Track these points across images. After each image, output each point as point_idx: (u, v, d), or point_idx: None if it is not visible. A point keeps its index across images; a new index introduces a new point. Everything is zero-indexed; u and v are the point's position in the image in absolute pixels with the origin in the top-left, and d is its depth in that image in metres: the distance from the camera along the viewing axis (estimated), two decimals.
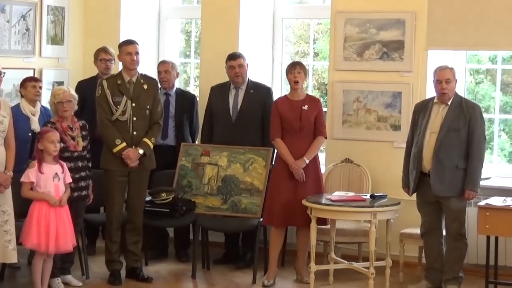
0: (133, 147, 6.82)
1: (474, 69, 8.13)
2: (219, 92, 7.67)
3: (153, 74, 7.75)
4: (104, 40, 8.15)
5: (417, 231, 6.90)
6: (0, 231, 6.05)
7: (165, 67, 7.83)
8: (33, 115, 7.02)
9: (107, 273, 7.00)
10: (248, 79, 7.63)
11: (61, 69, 8.46)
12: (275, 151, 7.14)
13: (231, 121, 7.55)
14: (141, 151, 6.82)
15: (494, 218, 6.25)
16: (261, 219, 7.07)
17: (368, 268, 6.63)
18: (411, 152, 6.66)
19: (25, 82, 7.07)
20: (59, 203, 6.24)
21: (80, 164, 6.65)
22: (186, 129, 7.82)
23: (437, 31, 7.40)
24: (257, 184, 7.30)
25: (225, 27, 8.16)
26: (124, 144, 6.78)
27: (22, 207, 6.27)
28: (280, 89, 8.37)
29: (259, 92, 7.59)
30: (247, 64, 7.58)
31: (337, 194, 6.89)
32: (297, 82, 6.92)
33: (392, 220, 6.80)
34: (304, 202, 6.69)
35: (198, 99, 8.09)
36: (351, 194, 6.95)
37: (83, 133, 6.70)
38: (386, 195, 6.85)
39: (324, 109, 7.59)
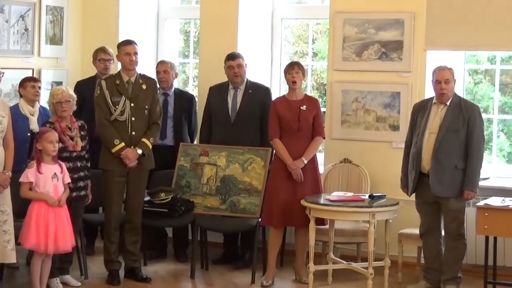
0: (132, 147, 6.82)
1: (473, 69, 8.13)
2: (217, 92, 7.67)
3: (152, 74, 7.74)
4: (103, 40, 8.15)
5: (416, 231, 6.90)
6: None
7: (164, 67, 7.83)
8: (32, 115, 7.02)
9: (106, 273, 6.99)
10: (247, 79, 7.63)
11: (60, 69, 8.46)
12: (274, 151, 7.14)
13: (230, 121, 7.55)
14: (139, 151, 6.82)
15: (493, 218, 6.25)
16: (260, 219, 7.07)
17: (366, 268, 6.63)
18: (410, 152, 6.66)
19: (24, 82, 7.07)
20: (58, 203, 6.24)
21: (78, 164, 6.65)
22: (184, 129, 7.82)
23: (436, 32, 7.40)
24: (255, 184, 7.29)
25: (224, 27, 8.16)
26: (123, 144, 6.79)
27: (21, 207, 6.27)
28: (279, 89, 8.37)
29: (257, 92, 7.59)
30: (246, 64, 7.58)
31: (336, 194, 6.88)
32: (295, 82, 6.92)
33: (390, 220, 6.80)
34: (303, 202, 6.69)
35: (197, 99, 8.09)
36: (350, 194, 6.94)
37: (82, 133, 6.70)
38: (385, 195, 6.86)
39: (323, 109, 7.59)
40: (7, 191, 6.10)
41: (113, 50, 7.54)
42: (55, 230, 6.20)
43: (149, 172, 7.06)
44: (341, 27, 7.73)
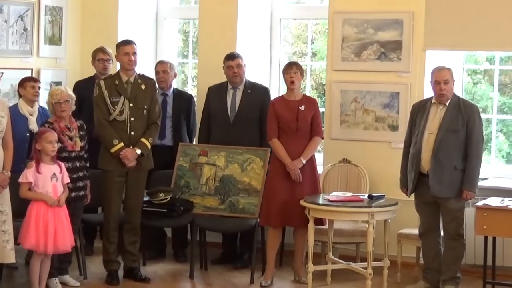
0: (131, 147, 6.82)
1: (472, 69, 8.14)
2: (216, 92, 7.67)
3: (151, 74, 7.73)
4: (102, 40, 8.16)
5: (415, 231, 6.90)
6: None
7: (163, 67, 7.83)
8: (31, 115, 7.02)
9: (105, 273, 6.99)
10: (246, 79, 7.63)
11: (59, 69, 8.46)
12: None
13: (229, 121, 7.55)
14: (138, 151, 6.82)
15: (492, 218, 6.26)
16: (258, 219, 7.07)
17: (366, 268, 6.63)
18: (410, 152, 6.66)
19: (24, 82, 7.07)
20: (57, 203, 6.24)
21: (77, 164, 6.65)
22: (183, 129, 7.82)
23: (434, 32, 7.41)
24: (255, 184, 7.29)
25: (223, 27, 8.16)
26: (122, 144, 6.79)
27: (20, 207, 6.27)
28: (278, 89, 8.37)
29: (256, 92, 7.59)
30: (245, 64, 7.58)
31: (335, 195, 6.88)
32: (293, 82, 6.92)
33: (389, 221, 6.81)
34: (302, 202, 6.69)
35: (195, 99, 8.09)
36: (349, 194, 6.94)
37: (81, 133, 6.70)
38: (384, 195, 6.86)
39: (322, 109, 7.60)
40: (6, 191, 6.10)
41: (112, 50, 7.54)
42: (54, 230, 6.20)
43: (148, 172, 7.06)
44: (340, 27, 7.73)
